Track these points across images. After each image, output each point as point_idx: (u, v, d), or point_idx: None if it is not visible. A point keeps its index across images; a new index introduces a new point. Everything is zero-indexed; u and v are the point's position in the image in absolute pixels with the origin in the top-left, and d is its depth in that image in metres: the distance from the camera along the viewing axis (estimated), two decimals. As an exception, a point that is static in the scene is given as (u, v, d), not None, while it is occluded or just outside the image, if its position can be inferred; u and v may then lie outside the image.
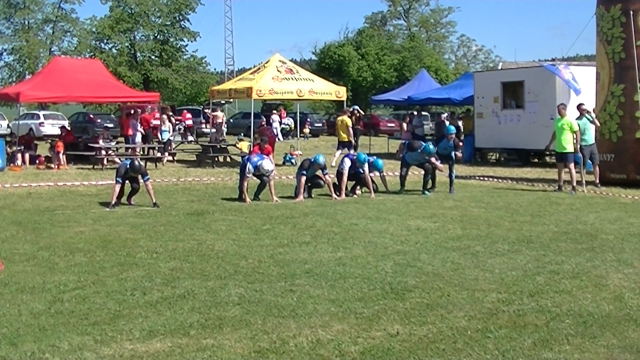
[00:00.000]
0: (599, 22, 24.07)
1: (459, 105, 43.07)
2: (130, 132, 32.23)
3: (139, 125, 32.22)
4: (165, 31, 78.94)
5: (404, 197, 20.06)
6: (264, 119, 47.30)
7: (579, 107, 23.16)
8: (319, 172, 20.10)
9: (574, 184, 21.42)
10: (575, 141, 21.63)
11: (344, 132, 32.17)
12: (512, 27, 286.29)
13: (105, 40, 77.48)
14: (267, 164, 19.27)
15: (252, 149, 26.84)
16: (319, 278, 10.36)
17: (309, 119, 58.52)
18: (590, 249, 12.80)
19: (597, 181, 22.91)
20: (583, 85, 28.25)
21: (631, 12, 22.65)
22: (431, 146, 21.33)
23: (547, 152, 29.68)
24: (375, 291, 9.61)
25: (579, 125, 22.24)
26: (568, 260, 11.78)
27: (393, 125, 54.24)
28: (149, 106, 35.96)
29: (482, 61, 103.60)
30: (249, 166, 19.12)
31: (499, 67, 65.20)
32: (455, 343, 7.55)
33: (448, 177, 21.58)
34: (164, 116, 34.92)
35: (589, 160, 22.79)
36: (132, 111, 33.70)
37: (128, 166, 17.85)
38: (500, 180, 25.30)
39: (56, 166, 28.67)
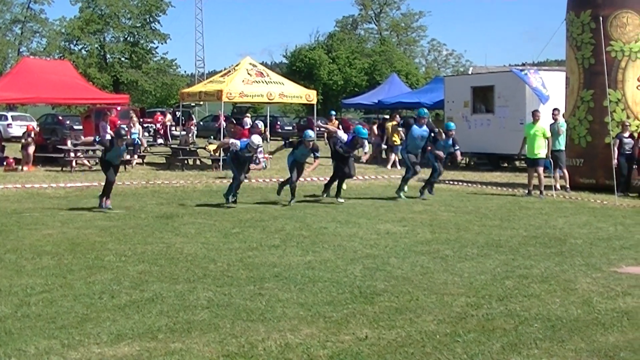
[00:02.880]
0: (569, 27, 24.25)
1: (430, 109, 43.20)
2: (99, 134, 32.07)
3: (108, 127, 32.03)
4: (136, 33, 78.79)
5: (374, 201, 20.06)
6: (234, 121, 47.22)
7: (554, 111, 23.17)
8: (309, 160, 19.86)
9: (542, 188, 21.51)
10: (547, 147, 21.73)
11: (393, 136, 33.50)
12: (483, 31, 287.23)
13: (74, 42, 77.26)
14: (256, 138, 19.05)
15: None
16: (288, 282, 10.34)
17: (279, 122, 58.47)
18: (559, 253, 12.87)
19: (567, 186, 23.02)
20: (553, 90, 28.35)
21: (601, 18, 22.79)
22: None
23: (517, 157, 29.82)
24: (344, 295, 9.61)
25: (559, 128, 22.37)
26: (537, 264, 11.84)
27: (363, 128, 54.05)
28: (119, 108, 35.81)
29: (453, 65, 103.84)
30: (238, 144, 18.76)
31: (470, 72, 65.53)
32: (424, 347, 7.56)
33: (428, 180, 21.20)
34: (134, 118, 34.73)
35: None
36: (88, 114, 33.65)
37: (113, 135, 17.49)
38: (470, 185, 25.37)
39: (23, 168, 28.46)
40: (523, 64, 47.47)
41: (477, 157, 33.60)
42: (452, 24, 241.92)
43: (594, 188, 22.88)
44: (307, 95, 32.89)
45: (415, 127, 20.50)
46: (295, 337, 7.82)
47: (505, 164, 32.91)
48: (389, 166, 32.06)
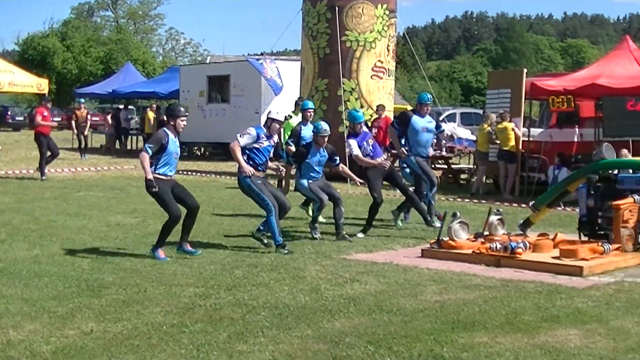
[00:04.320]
0: (305, 17, 24.86)
1: (165, 99, 43.05)
2: None
3: None
4: None
5: (106, 193, 19.81)
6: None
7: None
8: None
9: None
10: None
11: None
12: (222, 21, 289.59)
13: None
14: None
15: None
16: (12, 277, 10.08)
17: (9, 112, 56.45)
18: (290, 241, 13.15)
19: None
20: (289, 79, 28.82)
21: (337, 8, 23.56)
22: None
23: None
24: (70, 289, 9.48)
25: None
26: (267, 253, 12.11)
27: (97, 119, 53.24)
28: None
29: (191, 55, 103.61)
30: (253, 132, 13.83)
31: (207, 61, 65.75)
32: (150, 339, 7.56)
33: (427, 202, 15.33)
34: None
35: None
36: None
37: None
38: (203, 175, 25.52)
39: None
40: (262, 54, 48.22)
41: (212, 146, 33.81)
42: (190, 13, 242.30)
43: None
44: (38, 84, 32.29)
45: (415, 117, 15.41)
46: (18, 333, 7.64)
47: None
48: None
